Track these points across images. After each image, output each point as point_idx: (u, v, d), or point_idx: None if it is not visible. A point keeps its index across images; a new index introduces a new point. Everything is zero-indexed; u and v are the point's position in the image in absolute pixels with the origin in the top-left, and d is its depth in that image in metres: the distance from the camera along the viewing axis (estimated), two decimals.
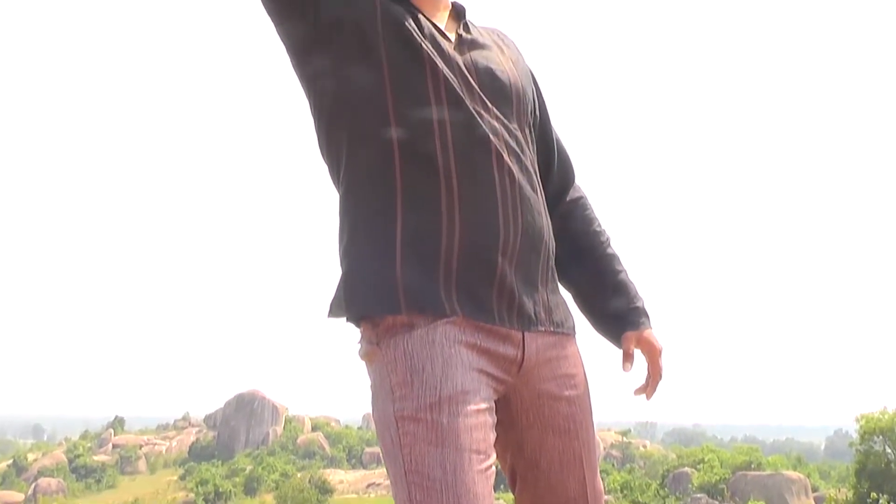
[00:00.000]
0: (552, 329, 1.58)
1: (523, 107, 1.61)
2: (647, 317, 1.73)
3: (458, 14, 1.65)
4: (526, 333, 1.53)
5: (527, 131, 1.61)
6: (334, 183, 1.59)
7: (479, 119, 1.50)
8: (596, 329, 1.76)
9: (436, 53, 1.51)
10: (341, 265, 1.53)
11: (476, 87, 1.53)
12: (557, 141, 1.76)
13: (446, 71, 1.50)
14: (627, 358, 1.70)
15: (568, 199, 1.76)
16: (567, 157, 1.78)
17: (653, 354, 1.72)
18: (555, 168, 1.73)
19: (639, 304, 1.73)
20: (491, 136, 1.50)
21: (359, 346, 1.52)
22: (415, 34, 1.51)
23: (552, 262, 1.61)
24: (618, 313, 1.72)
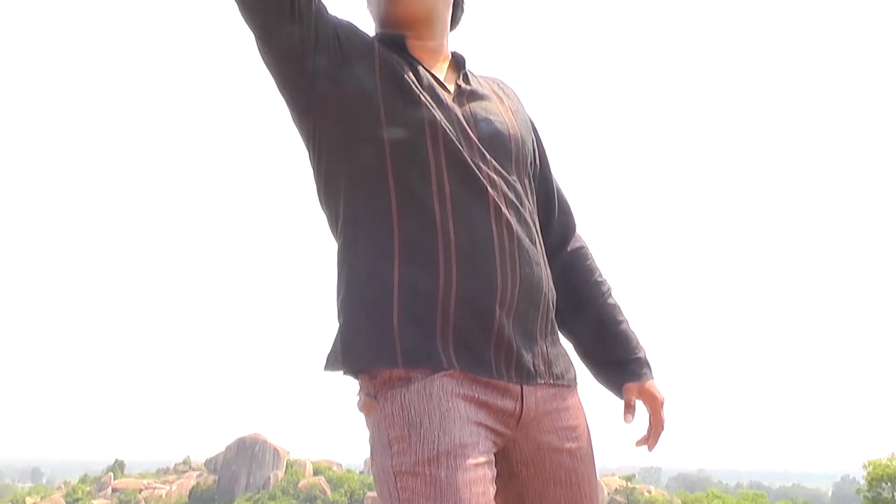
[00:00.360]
0: (552, 382, 1.56)
1: (523, 158, 1.61)
2: (649, 367, 1.72)
3: (457, 64, 1.66)
4: (525, 386, 1.51)
5: (526, 182, 1.61)
6: (333, 233, 1.59)
7: (476, 171, 1.50)
8: (597, 379, 1.75)
9: (434, 105, 1.51)
10: (338, 317, 1.52)
11: (475, 138, 1.53)
12: (558, 190, 1.75)
13: (444, 122, 1.51)
14: (629, 409, 1.69)
15: (569, 249, 1.75)
16: (568, 206, 1.78)
17: (654, 405, 1.71)
18: (555, 218, 1.73)
19: (640, 354, 1.72)
20: (489, 187, 1.50)
21: (357, 397, 1.51)
22: (413, 86, 1.51)
23: (552, 314, 1.60)
24: (619, 364, 1.71)
